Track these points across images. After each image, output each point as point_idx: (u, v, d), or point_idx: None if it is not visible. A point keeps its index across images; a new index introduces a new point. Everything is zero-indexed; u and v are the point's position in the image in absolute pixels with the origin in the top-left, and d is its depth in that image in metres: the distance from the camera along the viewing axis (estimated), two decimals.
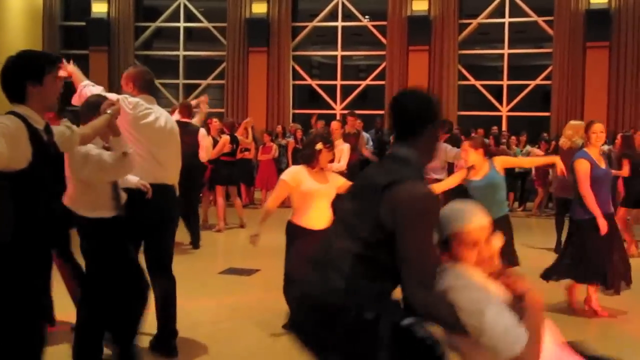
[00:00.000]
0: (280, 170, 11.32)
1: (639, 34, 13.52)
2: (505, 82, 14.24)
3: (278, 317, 3.69)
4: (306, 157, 4.20)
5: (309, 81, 14.77)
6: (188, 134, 6.17)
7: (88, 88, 3.72)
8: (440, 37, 13.72)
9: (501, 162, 4.57)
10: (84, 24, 14.66)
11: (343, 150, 6.73)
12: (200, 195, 8.38)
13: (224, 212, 8.27)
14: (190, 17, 14.91)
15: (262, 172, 10.79)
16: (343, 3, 14.52)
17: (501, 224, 4.14)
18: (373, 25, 14.43)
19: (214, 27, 14.67)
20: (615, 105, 13.58)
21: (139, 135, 3.54)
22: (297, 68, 14.58)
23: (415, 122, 2.02)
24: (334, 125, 7.28)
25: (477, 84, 14.17)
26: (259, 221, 4.15)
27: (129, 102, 3.56)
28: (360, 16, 14.42)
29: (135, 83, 3.70)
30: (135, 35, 14.79)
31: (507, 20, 14.16)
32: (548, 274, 4.77)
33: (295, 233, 4.10)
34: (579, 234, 4.65)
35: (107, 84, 12.07)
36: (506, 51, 14.16)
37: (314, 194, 4.12)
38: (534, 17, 14.05)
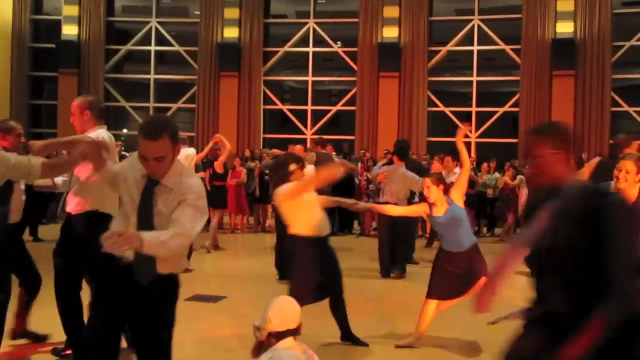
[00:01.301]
0: (248, 195, 11.26)
1: (603, 63, 13.61)
2: (474, 109, 13.62)
3: (245, 345, 3.35)
4: (280, 178, 4.12)
5: (280, 106, 13.98)
6: None
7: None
8: (410, 63, 13.16)
9: (457, 193, 4.44)
10: (53, 45, 13.84)
11: (309, 174, 6.73)
12: None
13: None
14: (161, 40, 14.12)
15: (232, 196, 10.52)
16: (314, 29, 14.26)
17: (473, 253, 4.28)
18: (344, 51, 13.69)
19: (185, 50, 13.92)
20: (581, 132, 13.57)
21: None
22: (269, 93, 13.78)
23: None
24: (298, 149, 7.23)
25: (447, 110, 13.62)
26: None
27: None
28: (331, 42, 13.75)
29: (93, 112, 3.57)
30: (106, 57, 13.93)
31: (475, 48, 13.97)
32: None
33: (306, 243, 4.07)
34: None
35: None
36: (475, 78, 13.56)
37: (313, 202, 4.14)
38: (502, 46, 14.00)
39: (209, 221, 9.18)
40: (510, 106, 13.55)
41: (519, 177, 10.52)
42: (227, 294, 5.80)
